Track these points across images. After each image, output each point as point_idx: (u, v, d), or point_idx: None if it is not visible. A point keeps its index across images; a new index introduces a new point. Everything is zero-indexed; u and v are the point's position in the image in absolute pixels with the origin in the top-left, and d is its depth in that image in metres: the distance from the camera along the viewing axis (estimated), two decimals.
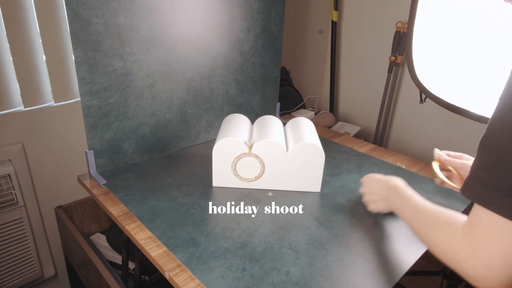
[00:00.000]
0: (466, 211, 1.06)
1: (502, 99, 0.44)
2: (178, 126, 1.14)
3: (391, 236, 0.79)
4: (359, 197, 0.93)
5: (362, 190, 0.86)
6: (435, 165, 0.84)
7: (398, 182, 0.75)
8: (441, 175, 0.82)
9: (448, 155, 0.85)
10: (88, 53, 0.88)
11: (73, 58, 0.89)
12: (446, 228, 0.52)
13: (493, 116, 0.45)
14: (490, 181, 0.43)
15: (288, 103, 1.73)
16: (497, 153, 0.43)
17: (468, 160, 0.82)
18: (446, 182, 0.81)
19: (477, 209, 0.45)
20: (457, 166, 0.82)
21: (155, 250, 0.72)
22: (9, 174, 1.15)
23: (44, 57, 1.14)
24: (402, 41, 1.62)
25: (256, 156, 0.91)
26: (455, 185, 0.80)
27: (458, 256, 0.47)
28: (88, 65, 0.89)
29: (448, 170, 0.84)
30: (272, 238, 0.76)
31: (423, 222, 0.59)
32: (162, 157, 1.11)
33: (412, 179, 1.02)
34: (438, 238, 0.53)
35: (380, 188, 0.80)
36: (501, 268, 0.43)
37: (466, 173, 0.78)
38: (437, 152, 0.86)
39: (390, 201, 0.76)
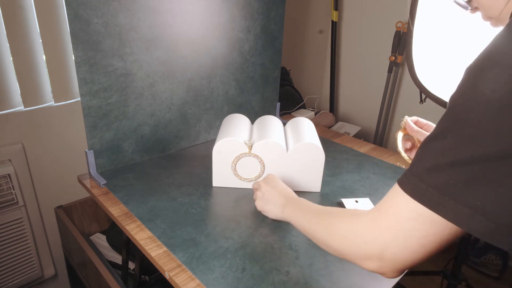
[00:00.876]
0: None
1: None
2: (178, 126, 1.14)
3: None
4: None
5: (257, 191, 0.81)
6: (399, 135, 0.76)
7: (295, 196, 0.74)
8: (400, 146, 0.74)
9: (416, 123, 0.77)
10: (88, 53, 0.88)
11: (73, 58, 0.89)
12: (349, 217, 0.50)
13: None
14: (415, 171, 0.42)
15: (288, 103, 1.73)
16: (425, 141, 0.41)
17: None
18: (402, 156, 0.74)
19: (393, 191, 0.44)
20: (422, 137, 0.75)
21: (155, 250, 0.72)
22: (9, 174, 1.15)
23: (44, 57, 1.14)
24: (402, 41, 1.62)
25: (256, 156, 0.91)
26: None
27: (358, 238, 0.46)
28: (88, 65, 0.89)
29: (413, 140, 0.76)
30: (272, 238, 0.76)
31: (324, 217, 0.56)
32: (162, 157, 1.11)
33: None
34: (342, 231, 0.49)
35: (277, 196, 0.75)
36: (399, 252, 0.42)
37: None
38: (406, 119, 0.76)
39: (284, 208, 0.72)
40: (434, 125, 0.73)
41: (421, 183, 0.40)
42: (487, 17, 0.54)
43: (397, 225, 0.42)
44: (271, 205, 0.76)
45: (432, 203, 0.39)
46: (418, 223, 0.40)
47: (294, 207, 0.68)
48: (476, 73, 0.38)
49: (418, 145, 0.75)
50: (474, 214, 0.36)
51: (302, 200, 0.69)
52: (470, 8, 0.56)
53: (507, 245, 0.37)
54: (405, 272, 0.47)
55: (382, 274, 0.45)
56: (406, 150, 0.77)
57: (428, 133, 0.70)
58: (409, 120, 0.77)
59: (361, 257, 0.46)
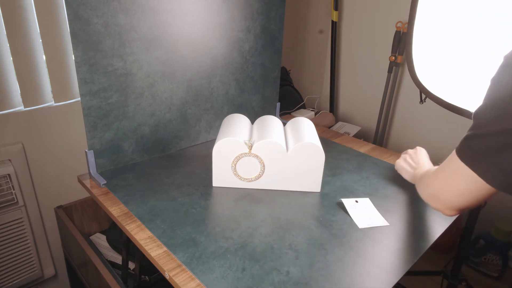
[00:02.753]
0: (466, 211, 1.07)
1: (493, 80, 0.54)
2: (178, 126, 1.14)
3: (391, 236, 0.79)
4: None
5: (410, 154, 0.96)
6: None
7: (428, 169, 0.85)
8: None
9: None
10: (88, 53, 0.88)
11: (73, 58, 0.89)
12: (426, 176, 0.70)
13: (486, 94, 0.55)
14: (470, 142, 0.55)
15: (288, 103, 1.73)
16: (477, 121, 0.54)
17: None
18: None
19: (452, 156, 0.59)
20: None
21: (155, 250, 0.72)
22: (9, 174, 1.15)
23: (44, 57, 1.14)
24: (402, 41, 1.62)
25: (256, 156, 0.91)
26: None
27: (426, 186, 0.66)
28: (88, 65, 0.89)
29: None
30: (272, 238, 0.76)
31: (420, 183, 0.73)
32: (162, 157, 1.11)
33: None
34: (423, 187, 0.69)
35: (415, 165, 0.91)
36: (448, 196, 0.60)
37: None
38: None
39: (411, 178, 0.90)
40: None
41: (467, 148, 0.55)
42: None
43: (447, 177, 0.60)
44: (407, 174, 0.93)
45: (470, 162, 0.54)
46: (456, 176, 0.57)
47: (417, 173, 0.86)
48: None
49: None
50: (498, 173, 0.51)
51: (424, 168, 0.84)
52: None
53: None
54: (459, 213, 0.63)
55: (442, 211, 0.63)
56: None
57: None
58: None
59: (427, 197, 0.66)
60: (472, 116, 0.55)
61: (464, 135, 0.57)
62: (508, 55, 0.51)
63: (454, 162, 0.57)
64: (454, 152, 0.58)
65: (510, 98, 0.48)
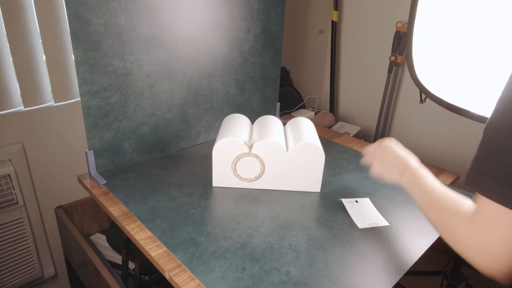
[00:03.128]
0: None
1: (502, 99, 0.47)
2: (178, 126, 1.14)
3: (391, 236, 0.79)
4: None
5: (373, 153, 0.82)
6: None
7: (415, 163, 0.73)
8: None
9: None
10: (88, 53, 0.88)
11: (73, 58, 0.89)
12: (454, 216, 0.53)
13: (493, 111, 0.47)
14: (486, 170, 0.45)
15: (288, 103, 1.73)
16: (493, 144, 0.45)
17: None
18: None
19: (479, 198, 0.47)
20: None
21: (155, 250, 0.72)
22: (9, 174, 1.15)
23: (44, 57, 1.14)
24: (402, 41, 1.62)
25: (256, 156, 0.91)
26: None
27: (464, 244, 0.50)
28: (88, 65, 0.89)
29: None
30: (272, 238, 0.76)
31: (434, 207, 0.60)
32: (162, 157, 1.11)
33: None
34: (447, 226, 0.55)
35: (395, 164, 0.76)
36: (503, 256, 0.45)
37: None
38: None
39: (401, 179, 0.74)
40: None
41: (505, 187, 0.44)
42: None
43: (494, 229, 0.46)
44: (390, 171, 0.77)
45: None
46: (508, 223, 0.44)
47: (412, 179, 0.70)
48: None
49: None
50: None
51: (419, 171, 0.70)
52: None
53: None
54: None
55: (492, 276, 0.48)
56: None
57: None
58: None
59: (474, 264, 0.49)
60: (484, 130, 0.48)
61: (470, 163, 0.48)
62: None
63: (492, 209, 0.45)
64: (478, 195, 0.47)
65: None
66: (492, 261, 0.46)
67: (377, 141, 0.84)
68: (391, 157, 0.77)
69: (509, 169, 0.43)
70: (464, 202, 0.54)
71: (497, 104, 0.47)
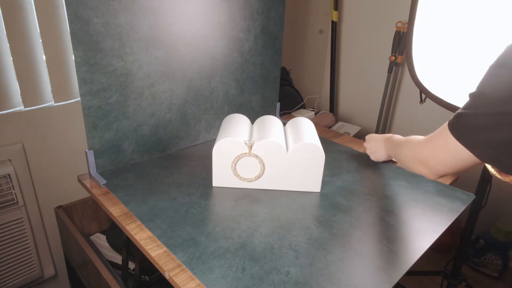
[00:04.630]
0: (466, 211, 1.07)
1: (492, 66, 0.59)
2: (178, 126, 1.14)
3: (391, 236, 0.79)
4: (359, 197, 0.93)
5: (365, 145, 1.12)
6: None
7: (391, 135, 0.98)
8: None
9: None
10: (88, 53, 0.88)
11: (73, 58, 0.89)
12: (414, 142, 0.78)
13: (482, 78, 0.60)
14: (463, 119, 0.61)
15: (288, 103, 1.73)
16: (473, 99, 0.60)
17: None
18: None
19: (443, 129, 0.65)
20: None
21: (155, 250, 0.72)
22: (9, 174, 1.15)
23: (44, 57, 1.14)
24: (402, 41, 1.62)
25: (256, 156, 0.91)
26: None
27: (416, 155, 0.74)
28: (88, 65, 0.89)
29: None
30: (272, 238, 0.76)
31: (402, 147, 0.84)
32: (162, 157, 1.11)
33: (412, 179, 1.03)
34: (407, 151, 0.80)
35: (378, 143, 1.06)
36: (435, 165, 0.69)
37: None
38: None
39: (386, 149, 1.02)
40: None
41: (459, 125, 0.61)
42: None
43: (437, 148, 0.67)
44: (379, 153, 1.07)
45: (464, 140, 0.61)
46: (451, 150, 0.64)
47: (390, 146, 0.98)
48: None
49: None
50: (493, 152, 0.57)
51: (392, 137, 0.97)
52: None
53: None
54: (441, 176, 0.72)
55: (426, 176, 0.72)
56: None
57: None
58: None
59: (413, 163, 0.75)
60: (468, 95, 0.61)
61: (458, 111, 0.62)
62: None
63: (445, 135, 0.64)
64: (446, 126, 0.65)
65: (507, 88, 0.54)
66: (431, 172, 0.71)
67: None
68: (375, 143, 1.09)
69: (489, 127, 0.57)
70: (420, 138, 0.77)
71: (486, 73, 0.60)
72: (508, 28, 1.01)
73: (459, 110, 0.62)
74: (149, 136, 1.08)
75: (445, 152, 0.65)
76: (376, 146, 1.08)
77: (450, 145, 0.63)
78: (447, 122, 0.65)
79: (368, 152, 1.12)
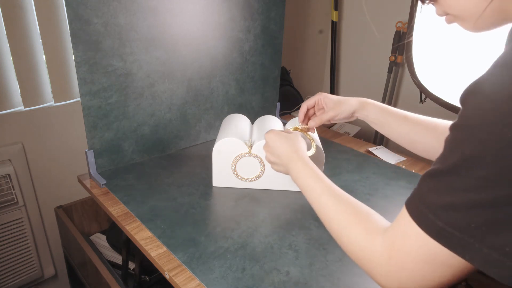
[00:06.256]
0: None
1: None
2: (178, 126, 1.14)
3: None
4: (359, 197, 0.93)
5: (265, 148, 0.75)
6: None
7: (300, 148, 0.68)
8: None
9: (307, 114, 0.85)
10: (88, 53, 0.88)
11: (73, 58, 0.89)
12: (366, 233, 0.46)
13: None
14: (428, 203, 0.38)
15: (288, 103, 1.73)
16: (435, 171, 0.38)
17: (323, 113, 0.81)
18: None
19: (406, 218, 0.41)
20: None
21: (155, 250, 0.72)
22: (9, 174, 1.15)
23: (44, 57, 1.14)
24: (402, 41, 1.62)
25: (256, 156, 0.91)
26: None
27: (374, 266, 0.44)
28: (88, 65, 0.89)
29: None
30: (272, 238, 0.76)
31: (340, 213, 0.51)
32: (162, 157, 1.11)
33: (412, 179, 1.02)
34: (357, 239, 0.47)
35: (281, 152, 0.69)
36: (411, 278, 0.40)
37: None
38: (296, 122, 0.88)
39: (289, 170, 0.67)
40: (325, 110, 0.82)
41: (438, 220, 0.36)
42: (444, 12, 0.49)
43: (414, 266, 0.39)
44: (279, 167, 0.72)
45: (453, 245, 0.36)
46: (435, 265, 0.38)
47: (300, 167, 0.63)
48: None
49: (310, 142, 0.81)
50: (504, 260, 0.34)
51: (305, 160, 0.64)
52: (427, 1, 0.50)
53: None
54: None
55: None
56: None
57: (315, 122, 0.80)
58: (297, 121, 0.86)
59: (377, 277, 0.44)
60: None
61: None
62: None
63: (415, 237, 0.39)
64: (407, 214, 0.40)
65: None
66: (400, 279, 0.41)
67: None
68: (276, 151, 0.70)
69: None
70: (375, 216, 0.49)
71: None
72: (508, 27, 1.01)
73: (421, 186, 0.40)
74: (149, 136, 1.08)
75: (439, 274, 0.39)
76: (277, 157, 0.71)
77: (441, 261, 0.38)
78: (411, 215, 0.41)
79: (267, 159, 0.75)
